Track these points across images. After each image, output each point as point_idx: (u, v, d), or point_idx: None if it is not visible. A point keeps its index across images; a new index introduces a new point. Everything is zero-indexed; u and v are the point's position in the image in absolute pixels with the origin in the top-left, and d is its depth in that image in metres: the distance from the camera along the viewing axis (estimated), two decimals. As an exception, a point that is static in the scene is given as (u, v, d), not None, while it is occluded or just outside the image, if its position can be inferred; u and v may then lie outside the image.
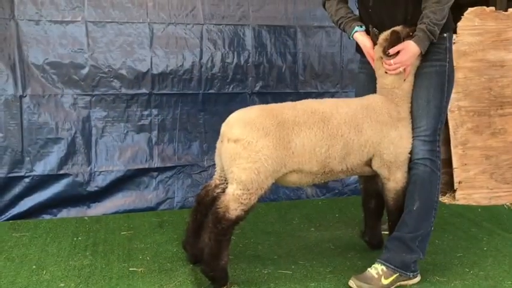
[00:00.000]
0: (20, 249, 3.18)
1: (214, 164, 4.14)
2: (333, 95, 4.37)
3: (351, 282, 2.66)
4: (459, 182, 4.44)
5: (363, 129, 2.73)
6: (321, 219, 3.70)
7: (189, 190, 4.16)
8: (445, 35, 2.78)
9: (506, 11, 4.58)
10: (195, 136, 4.19)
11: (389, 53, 2.74)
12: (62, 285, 2.72)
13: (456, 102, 4.40)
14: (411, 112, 2.83)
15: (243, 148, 2.58)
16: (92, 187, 3.98)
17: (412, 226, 2.72)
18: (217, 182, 2.90)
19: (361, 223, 3.29)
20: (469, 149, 4.49)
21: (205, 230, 2.66)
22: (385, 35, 2.80)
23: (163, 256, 3.08)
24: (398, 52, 2.72)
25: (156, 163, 4.11)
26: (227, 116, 4.18)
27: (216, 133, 4.11)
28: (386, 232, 3.19)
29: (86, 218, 3.75)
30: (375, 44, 2.86)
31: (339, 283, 2.73)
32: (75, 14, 3.87)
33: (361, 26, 2.91)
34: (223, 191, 2.85)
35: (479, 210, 4.15)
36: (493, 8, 4.55)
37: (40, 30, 3.83)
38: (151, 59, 4.03)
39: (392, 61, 2.73)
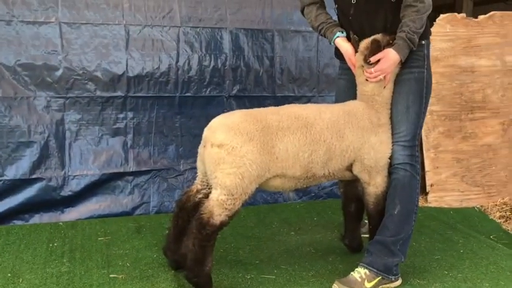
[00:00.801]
0: (-8, 257, 3.09)
1: (191, 168, 4.19)
2: (309, 99, 4.39)
3: (335, 286, 2.68)
4: (431, 185, 4.53)
5: (344, 135, 2.76)
6: (300, 223, 3.71)
7: (165, 194, 4.11)
8: (423, 42, 2.83)
9: (475, 17, 4.70)
10: (171, 140, 4.15)
11: (370, 61, 2.77)
12: (41, 293, 2.65)
13: (428, 107, 4.47)
14: (391, 118, 2.87)
15: (227, 153, 2.57)
16: (66, 192, 3.89)
17: (393, 230, 2.76)
18: (199, 187, 2.88)
19: (341, 226, 3.32)
20: (440, 152, 4.59)
21: (189, 236, 2.63)
22: (365, 43, 2.83)
23: (144, 262, 3.04)
24: (378, 60, 2.76)
25: (132, 167, 4.05)
26: (204, 120, 4.15)
27: (193, 137, 4.16)
28: (366, 235, 3.23)
29: (60, 223, 3.66)
30: (355, 49, 2.89)
31: (323, 287, 2.74)
32: (49, 14, 3.78)
33: (342, 32, 2.93)
34: (205, 196, 2.84)
35: (452, 212, 4.24)
36: (464, 15, 4.66)
37: (11, 30, 3.72)
38: (127, 61, 3.97)
39: (373, 69, 2.77)
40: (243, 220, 3.73)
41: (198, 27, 4.10)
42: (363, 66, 2.85)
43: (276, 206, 4.09)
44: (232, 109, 4.22)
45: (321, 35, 3.05)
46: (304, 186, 2.84)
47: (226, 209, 2.59)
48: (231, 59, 4.18)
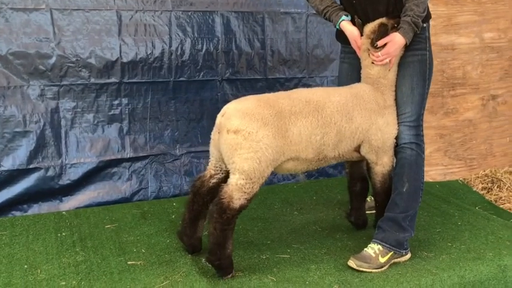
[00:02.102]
0: (3, 249, 3.07)
1: (187, 153, 4.24)
2: (300, 81, 4.47)
3: (351, 263, 2.80)
4: (417, 160, 4.69)
5: (353, 117, 2.85)
6: (300, 203, 3.82)
7: (162, 179, 4.14)
8: (424, 25, 2.94)
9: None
10: (166, 125, 4.16)
11: (377, 45, 2.86)
12: (63, 283, 2.68)
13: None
14: (396, 99, 2.99)
15: (244, 138, 2.63)
16: (64, 180, 3.87)
17: (403, 207, 2.89)
18: (212, 172, 2.93)
19: (341, 204, 3.48)
20: (424, 128, 4.72)
21: (210, 220, 2.69)
22: (371, 27, 2.91)
23: (158, 248, 3.08)
24: (385, 44, 2.85)
25: (129, 153, 4.06)
26: (198, 104, 4.24)
27: (188, 121, 4.20)
28: (369, 212, 3.37)
29: (63, 212, 3.65)
30: (360, 33, 2.98)
31: (337, 264, 2.86)
32: (39, 1, 3.71)
33: (347, 15, 3.00)
34: (219, 181, 2.91)
35: (437, 186, 4.43)
36: (444, -7, 4.80)
37: (1, 18, 3.64)
38: (120, 47, 3.94)
39: (380, 53, 2.86)
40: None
41: (189, 11, 4.09)
42: (368, 50, 2.93)
43: (273, 187, 4.18)
44: (225, 93, 4.28)
45: (326, 19, 3.11)
46: (315, 168, 2.94)
47: (245, 192, 2.66)
48: (223, 42, 4.20)
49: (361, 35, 2.98)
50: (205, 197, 2.92)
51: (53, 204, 3.84)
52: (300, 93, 2.87)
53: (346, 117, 2.83)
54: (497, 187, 4.70)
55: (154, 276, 2.73)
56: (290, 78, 4.44)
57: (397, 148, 2.98)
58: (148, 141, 4.12)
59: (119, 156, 4.03)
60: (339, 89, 3.01)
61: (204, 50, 4.16)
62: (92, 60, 3.88)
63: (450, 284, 2.70)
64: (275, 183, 4.32)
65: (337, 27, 3.05)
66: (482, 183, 4.74)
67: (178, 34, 4.08)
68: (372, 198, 3.33)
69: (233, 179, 2.67)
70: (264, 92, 4.30)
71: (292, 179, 4.45)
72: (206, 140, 4.26)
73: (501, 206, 4.30)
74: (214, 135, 2.82)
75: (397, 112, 2.98)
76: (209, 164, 2.96)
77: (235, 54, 4.26)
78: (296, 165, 2.84)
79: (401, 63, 2.97)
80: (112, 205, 3.81)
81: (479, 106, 4.89)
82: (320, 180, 4.36)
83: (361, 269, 2.77)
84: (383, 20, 2.88)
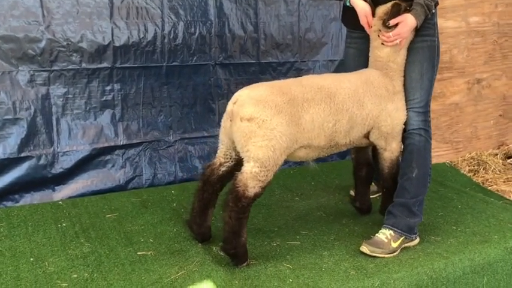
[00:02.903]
0: (3, 242, 2.97)
1: (181, 139, 4.17)
2: (292, 65, 4.44)
3: (364, 248, 2.82)
4: (406, 144, 4.75)
5: (364, 104, 2.86)
6: (300, 188, 3.81)
7: (157, 166, 4.07)
8: (433, 11, 2.95)
9: (442, -20, 4.88)
10: (159, 110, 4.07)
11: (389, 24, 2.85)
12: (75, 276, 2.61)
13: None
14: (404, 85, 3.00)
15: (258, 126, 2.60)
16: (57, 169, 3.75)
17: (413, 192, 2.92)
18: (222, 160, 2.89)
19: (340, 189, 3.55)
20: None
21: (225, 209, 2.66)
22: (384, 8, 2.91)
23: (166, 237, 3.03)
24: (396, 24, 2.85)
25: (122, 140, 3.96)
26: (191, 89, 4.17)
27: (181, 107, 4.13)
28: (372, 196, 3.40)
29: (60, 202, 3.55)
30: (372, 11, 2.95)
31: (349, 249, 2.88)
32: (27, -18, 3.55)
33: None
34: (229, 169, 2.88)
35: (427, 168, 4.48)
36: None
37: (-13, 0, 3.47)
38: (112, 30, 3.81)
39: (391, 33, 2.85)
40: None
41: (182, -7, 4.00)
42: (379, 31, 2.92)
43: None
44: (218, 77, 4.22)
45: None
46: (326, 155, 2.94)
47: (259, 180, 2.64)
48: (216, 26, 4.13)
49: (372, 15, 2.95)
50: (215, 185, 2.88)
51: (46, 194, 3.72)
52: (311, 80, 2.85)
53: (357, 103, 2.83)
54: (483, 169, 4.82)
55: (168, 267, 2.69)
56: (283, 63, 4.41)
57: (406, 134, 3.00)
58: (141, 128, 4.03)
59: (112, 144, 3.93)
60: (348, 75, 3.00)
61: (197, 34, 4.08)
62: (83, 45, 3.74)
63: (461, 267, 2.75)
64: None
65: (348, 3, 3.00)
66: (469, 166, 4.85)
67: (171, 17, 3.98)
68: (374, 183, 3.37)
69: (247, 167, 2.64)
70: (257, 76, 4.33)
71: (286, 164, 4.44)
72: (200, 126, 4.25)
73: (489, 187, 4.41)
74: (225, 122, 2.78)
75: (406, 98, 2.99)
76: (218, 152, 2.91)
77: (229, 38, 4.19)
78: (308, 153, 2.82)
79: (411, 49, 2.97)
80: (109, 193, 3.72)
81: (465, 90, 4.98)
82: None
83: (374, 254, 2.79)
84: (396, 0, 2.87)
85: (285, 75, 4.43)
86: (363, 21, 2.99)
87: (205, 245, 2.93)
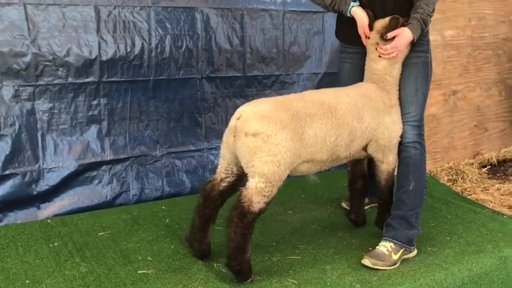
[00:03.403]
0: (-6, 264, 2.86)
1: (168, 153, 4.12)
2: (277, 78, 4.46)
3: (366, 261, 2.85)
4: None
5: (363, 117, 2.90)
6: (291, 202, 3.82)
7: (144, 182, 4.01)
8: (429, 26, 3.03)
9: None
10: (146, 125, 4.03)
11: (387, 37, 2.90)
12: (77, 299, 2.54)
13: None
14: (400, 99, 3.06)
15: (263, 141, 2.60)
16: (42, 186, 3.65)
17: (410, 204, 2.98)
18: (223, 175, 2.88)
19: (332, 202, 3.63)
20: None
21: (229, 225, 2.64)
22: (383, 22, 2.96)
23: (164, 254, 2.99)
24: (393, 37, 2.90)
25: (109, 155, 3.89)
26: (178, 102, 4.14)
27: (168, 121, 4.09)
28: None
29: (48, 220, 3.44)
30: (370, 22, 2.99)
31: (350, 263, 2.90)
32: (11, -5, 3.47)
33: (355, 1, 3.01)
34: (230, 184, 2.87)
35: (409, 179, 4.57)
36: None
37: (-30, 13, 3.37)
38: (99, 44, 3.75)
39: (388, 46, 2.90)
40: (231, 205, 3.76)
41: (169, 7, 3.96)
42: (377, 44, 2.98)
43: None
44: (204, 91, 4.20)
45: (334, 11, 3.10)
46: (327, 168, 2.96)
47: (264, 196, 2.64)
48: (203, 39, 4.12)
49: (370, 27, 3.00)
50: (216, 201, 2.87)
51: (30, 212, 3.61)
52: (312, 95, 2.88)
53: (357, 117, 2.87)
54: (461, 179, 4.95)
55: (172, 285, 2.65)
56: (268, 76, 4.43)
57: (401, 147, 3.05)
58: (128, 143, 3.97)
59: (99, 159, 3.85)
60: (346, 89, 3.04)
61: (184, 48, 4.05)
62: (70, 59, 3.66)
63: (461, 277, 2.81)
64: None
65: (348, 14, 3.03)
66: (448, 176, 4.98)
67: (158, 31, 3.94)
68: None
69: (252, 183, 2.63)
70: (243, 90, 4.34)
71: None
72: (186, 140, 4.21)
73: (468, 196, 4.53)
74: (227, 138, 2.76)
75: (401, 112, 3.05)
76: (219, 167, 2.89)
77: (215, 52, 4.18)
78: (310, 167, 2.84)
79: (406, 64, 3.04)
80: (98, 210, 3.64)
81: (442, 101, 5.11)
82: (302, 179, 4.37)
83: (376, 267, 2.82)
84: (395, 15, 2.93)
85: (270, 88, 4.46)
86: (360, 32, 3.03)
87: (206, 261, 2.90)
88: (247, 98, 4.35)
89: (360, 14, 2.98)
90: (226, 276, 2.73)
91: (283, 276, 2.75)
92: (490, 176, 5.16)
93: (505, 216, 3.63)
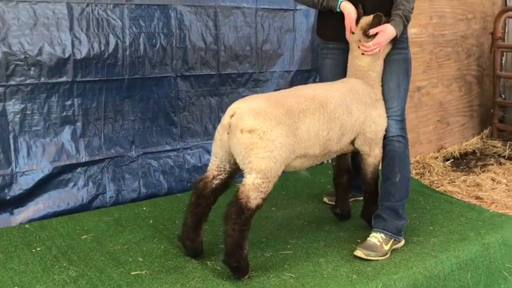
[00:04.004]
0: (-24, 272, 2.73)
1: (143, 154, 4.05)
2: (250, 76, 4.46)
3: (359, 252, 2.89)
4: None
5: (352, 111, 2.94)
6: (273, 199, 3.76)
7: (120, 183, 3.91)
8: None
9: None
10: (121, 125, 3.94)
11: (369, 33, 2.95)
12: (73, 303, 2.45)
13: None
14: (383, 94, 3.12)
15: (260, 138, 2.60)
16: (15, 190, 3.50)
17: (398, 196, 3.05)
18: (215, 173, 2.85)
19: (313, 198, 3.70)
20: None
21: (227, 222, 2.62)
22: (366, 19, 3.01)
23: (155, 255, 2.93)
24: (376, 34, 2.96)
25: (84, 157, 3.78)
26: (153, 101, 4.06)
27: (143, 121, 4.01)
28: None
29: (26, 226, 3.31)
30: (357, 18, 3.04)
31: (342, 255, 2.94)
32: (-21, -9, 3.32)
33: None
34: (222, 181, 2.85)
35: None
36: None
37: None
38: (72, 43, 3.64)
39: (371, 43, 2.96)
40: (220, 203, 3.72)
41: (143, 4, 3.89)
42: (359, 41, 3.02)
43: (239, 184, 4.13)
44: (179, 89, 4.15)
45: (323, 8, 3.10)
46: (317, 163, 2.99)
47: (261, 192, 2.63)
48: (177, 37, 4.07)
49: (356, 23, 3.04)
50: (209, 199, 2.84)
51: (3, 218, 3.46)
52: (303, 91, 2.90)
53: (346, 111, 2.91)
54: (428, 172, 5.10)
55: (169, 285, 2.60)
56: (242, 74, 4.42)
57: (385, 141, 3.12)
58: (103, 144, 3.87)
59: (74, 161, 3.74)
60: (334, 84, 3.07)
61: (158, 46, 3.99)
62: (42, 58, 3.54)
63: (449, 265, 2.89)
64: (238, 181, 4.26)
65: (338, 9, 3.05)
66: (416, 169, 5.11)
67: (132, 29, 3.87)
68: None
69: (249, 179, 2.63)
70: (217, 88, 4.32)
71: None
72: (162, 140, 4.14)
73: (437, 189, 4.67)
74: (221, 136, 2.73)
75: (385, 106, 3.11)
76: (211, 165, 2.86)
77: (189, 50, 4.14)
78: (303, 162, 2.86)
79: (387, 61, 3.11)
80: (77, 214, 3.53)
81: (408, 97, 5.22)
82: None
83: (369, 258, 2.86)
84: (378, 13, 2.98)
85: (244, 86, 4.45)
86: (346, 25, 3.04)
87: (199, 260, 2.86)
88: (221, 97, 4.36)
89: (349, 9, 3.01)
90: (223, 273, 2.71)
91: (279, 271, 2.75)
92: (454, 168, 5.33)
93: (489, 208, 3.76)
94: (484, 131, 6.10)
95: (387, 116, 3.10)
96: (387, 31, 2.94)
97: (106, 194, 3.86)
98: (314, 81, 4.80)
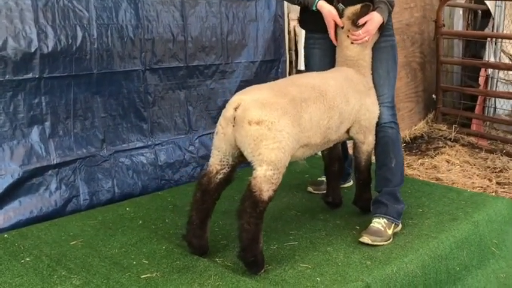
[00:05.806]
0: (-35, 289, 2.48)
1: (115, 152, 3.86)
2: (217, 67, 4.37)
3: (365, 239, 2.91)
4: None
5: (349, 99, 2.96)
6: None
7: (94, 184, 3.71)
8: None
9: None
10: (91, 123, 3.73)
11: (358, 23, 2.98)
12: (89, 314, 2.29)
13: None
14: (373, 82, 3.16)
15: (268, 129, 2.55)
16: (-16, 198, 3.24)
17: (395, 181, 3.10)
18: (218, 167, 2.77)
19: (297, 188, 3.69)
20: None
21: (242, 217, 2.55)
22: (352, 9, 3.03)
23: (159, 256, 2.80)
24: (364, 23, 2.99)
25: (55, 159, 3.54)
26: (122, 97, 3.88)
27: (113, 117, 3.82)
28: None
29: (5, 235, 3.05)
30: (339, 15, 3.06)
31: (347, 242, 2.95)
32: None
33: None
34: (225, 176, 2.78)
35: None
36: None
37: None
38: (38, 36, 3.39)
39: (360, 31, 2.99)
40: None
41: (108, -7, 3.70)
42: (348, 31, 3.04)
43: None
44: (148, 83, 3.99)
45: (299, 5, 3.12)
46: (316, 152, 2.98)
47: (272, 183, 2.59)
48: (145, 29, 3.90)
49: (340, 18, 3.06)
50: (214, 194, 2.77)
51: (-29, 228, 3.19)
52: (303, 80, 2.88)
53: (344, 99, 2.91)
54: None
55: (186, 286, 2.50)
56: (209, 66, 4.32)
57: (378, 128, 3.16)
58: (74, 143, 3.65)
59: (45, 163, 3.50)
60: (328, 72, 3.07)
61: (126, 38, 3.81)
62: (6, 53, 3.27)
63: (449, 244, 2.99)
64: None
65: (314, 8, 3.06)
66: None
67: (99, 21, 3.66)
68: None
69: (260, 171, 2.57)
70: (185, 81, 4.20)
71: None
72: (133, 137, 3.97)
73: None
74: (225, 129, 2.65)
75: (376, 94, 3.15)
76: (213, 159, 2.77)
77: (157, 42, 3.99)
78: (304, 152, 2.84)
79: (376, 48, 3.15)
80: (57, 219, 3.31)
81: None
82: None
83: (376, 243, 2.90)
84: (366, 3, 3.01)
85: (211, 78, 4.36)
86: (328, 25, 3.07)
87: (206, 258, 2.77)
88: (189, 90, 4.25)
89: (327, 8, 3.03)
90: (237, 270, 2.63)
91: (292, 262, 2.72)
92: (408, 152, 5.53)
93: (456, 187, 3.91)
94: (429, 115, 6.35)
95: (379, 103, 3.14)
96: (375, 19, 2.98)
97: (80, 196, 3.64)
98: (277, 72, 4.78)
